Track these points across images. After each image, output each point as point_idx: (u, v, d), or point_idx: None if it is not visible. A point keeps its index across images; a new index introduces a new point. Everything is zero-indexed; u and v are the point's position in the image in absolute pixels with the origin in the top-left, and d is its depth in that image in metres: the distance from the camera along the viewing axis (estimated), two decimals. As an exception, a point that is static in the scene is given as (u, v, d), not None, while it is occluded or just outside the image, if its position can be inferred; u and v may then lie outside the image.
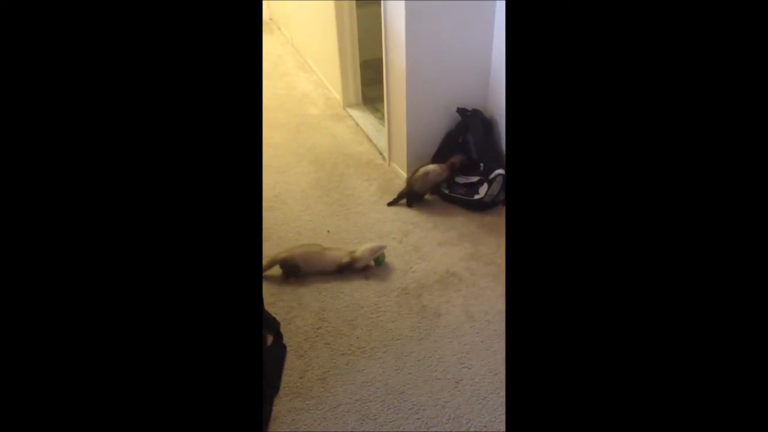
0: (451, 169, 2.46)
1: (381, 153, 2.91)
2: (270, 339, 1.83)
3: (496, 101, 2.54)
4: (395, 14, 2.29)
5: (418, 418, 1.57)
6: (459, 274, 2.10)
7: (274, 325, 1.88)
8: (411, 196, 2.48)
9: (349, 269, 2.09)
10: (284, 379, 1.70)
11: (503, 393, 1.61)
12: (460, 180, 2.50)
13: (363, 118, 3.27)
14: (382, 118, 3.04)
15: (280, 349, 1.80)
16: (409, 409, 1.60)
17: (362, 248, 2.10)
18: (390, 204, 2.51)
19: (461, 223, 2.39)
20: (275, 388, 1.67)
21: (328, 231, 2.36)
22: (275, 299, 2.00)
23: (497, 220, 2.40)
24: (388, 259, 2.18)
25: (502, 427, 1.54)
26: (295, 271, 2.07)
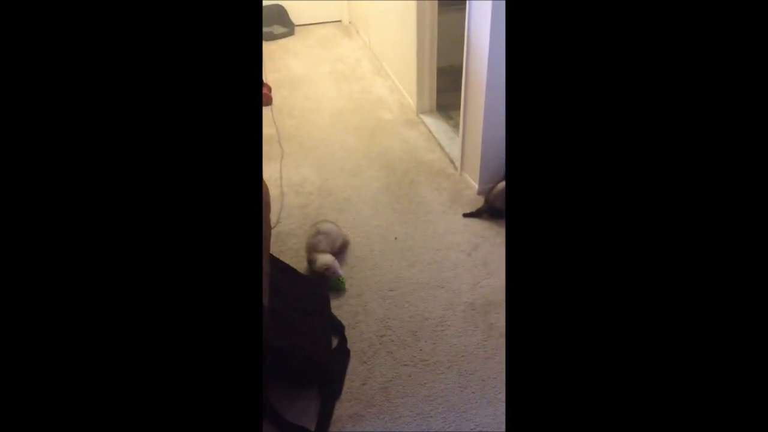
0: None
1: (453, 162, 2.87)
2: (335, 342, 1.85)
3: (579, 116, 2.44)
4: (480, 20, 2.25)
5: (480, 440, 1.53)
6: (529, 294, 2.02)
7: (339, 328, 1.89)
8: (491, 213, 2.43)
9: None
10: (346, 384, 1.71)
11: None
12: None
13: (436, 125, 3.24)
14: (455, 126, 3.00)
15: (343, 353, 1.81)
16: (472, 429, 1.56)
17: (323, 260, 2.09)
18: (467, 215, 2.47)
19: (533, 240, 2.31)
20: (338, 391, 1.68)
21: (396, 238, 2.36)
22: (341, 303, 2.02)
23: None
24: (455, 271, 2.15)
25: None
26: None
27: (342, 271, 2.09)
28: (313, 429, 1.57)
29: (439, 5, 3.08)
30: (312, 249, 2.15)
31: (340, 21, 5.10)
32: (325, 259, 2.08)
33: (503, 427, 1.56)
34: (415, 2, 3.04)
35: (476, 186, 2.61)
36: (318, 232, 2.17)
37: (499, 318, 1.93)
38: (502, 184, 2.41)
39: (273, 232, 2.38)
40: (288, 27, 4.82)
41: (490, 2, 2.11)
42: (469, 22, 2.37)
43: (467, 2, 2.33)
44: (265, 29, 4.67)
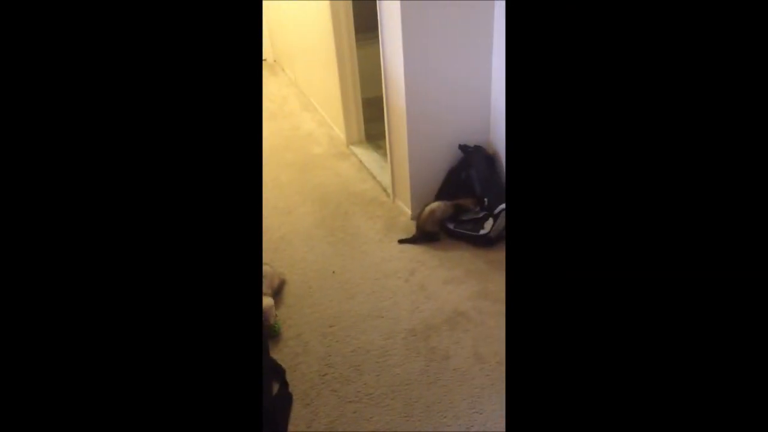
0: (455, 207, 2.46)
1: (385, 190, 2.91)
2: (276, 387, 1.79)
3: (497, 137, 2.55)
4: (394, 54, 2.33)
5: (428, 470, 1.51)
6: (467, 314, 2.06)
7: (279, 373, 1.84)
8: (425, 237, 2.47)
9: None
10: (290, 429, 1.66)
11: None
12: (465, 216, 2.48)
13: (366, 155, 3.29)
14: (385, 155, 3.06)
15: (285, 398, 1.76)
16: (419, 459, 1.54)
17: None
18: (401, 241, 2.49)
19: (467, 259, 2.36)
20: (281, 439, 1.63)
21: (333, 272, 2.35)
22: (281, 346, 1.97)
23: (504, 256, 2.37)
24: (394, 298, 2.15)
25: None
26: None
27: (274, 318, 2.02)
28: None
29: (358, 39, 3.17)
30: None
31: (264, 60, 5.13)
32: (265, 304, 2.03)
33: (451, 452, 1.56)
34: (332, 37, 3.11)
35: (409, 212, 2.65)
36: None
37: (439, 341, 1.94)
38: (429, 207, 2.46)
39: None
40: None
41: (401, 33, 2.19)
42: (383, 53, 2.44)
43: (380, 33, 2.41)
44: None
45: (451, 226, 2.48)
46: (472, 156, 2.50)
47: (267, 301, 2.03)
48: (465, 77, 2.42)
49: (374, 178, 3.05)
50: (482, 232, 2.40)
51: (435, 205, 2.46)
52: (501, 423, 1.63)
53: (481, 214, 2.45)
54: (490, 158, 2.54)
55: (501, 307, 2.08)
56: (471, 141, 2.54)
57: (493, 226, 2.38)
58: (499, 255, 2.38)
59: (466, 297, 2.14)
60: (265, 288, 2.12)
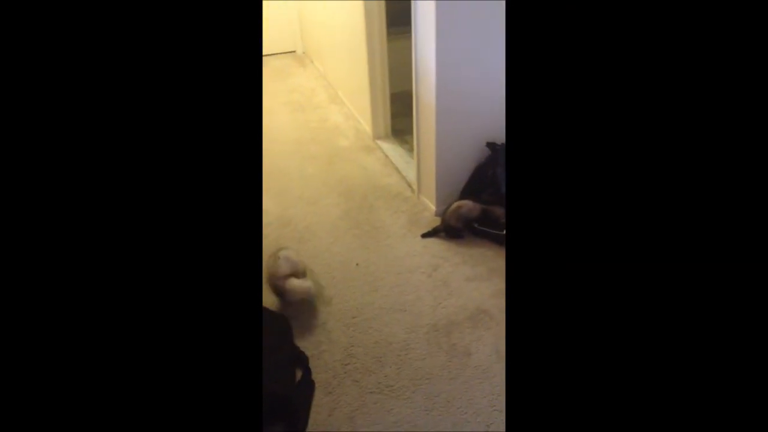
0: (483, 212, 2.45)
1: (410, 185, 2.92)
2: (299, 374, 1.83)
3: (526, 135, 2.53)
4: (426, 48, 2.33)
5: (447, 463, 1.53)
6: (489, 311, 2.06)
7: (303, 360, 1.88)
8: (448, 232, 2.48)
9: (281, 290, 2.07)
10: (312, 416, 1.69)
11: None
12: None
13: (392, 150, 3.30)
14: (410, 150, 3.06)
15: (308, 386, 1.79)
16: (439, 452, 1.56)
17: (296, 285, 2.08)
18: (424, 235, 2.51)
19: (491, 257, 2.36)
20: (303, 425, 1.66)
21: (357, 264, 2.37)
22: (305, 333, 2.01)
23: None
24: (417, 293, 2.17)
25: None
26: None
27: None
28: (279, 467, 1.54)
29: (388, 33, 3.17)
30: (274, 275, 2.11)
31: (294, 52, 5.17)
32: (304, 286, 2.08)
33: (470, 447, 1.57)
34: (364, 31, 3.12)
35: (434, 208, 2.66)
36: (278, 258, 2.15)
37: (461, 338, 1.95)
38: (455, 204, 2.47)
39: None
40: (242, 59, 4.84)
41: (434, 30, 2.20)
42: (415, 50, 2.45)
43: (413, 30, 2.41)
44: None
45: (475, 224, 2.48)
46: (500, 154, 2.49)
47: (304, 284, 2.11)
48: (495, 75, 2.41)
49: (399, 172, 3.06)
50: (506, 231, 2.40)
51: (464, 202, 2.47)
52: (521, 421, 1.63)
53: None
54: (517, 157, 2.52)
55: (524, 307, 2.07)
56: (499, 139, 2.53)
57: (518, 225, 2.38)
58: (523, 254, 2.37)
59: (489, 295, 2.15)
60: (288, 270, 2.13)
